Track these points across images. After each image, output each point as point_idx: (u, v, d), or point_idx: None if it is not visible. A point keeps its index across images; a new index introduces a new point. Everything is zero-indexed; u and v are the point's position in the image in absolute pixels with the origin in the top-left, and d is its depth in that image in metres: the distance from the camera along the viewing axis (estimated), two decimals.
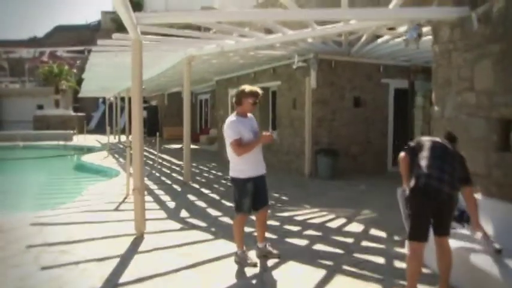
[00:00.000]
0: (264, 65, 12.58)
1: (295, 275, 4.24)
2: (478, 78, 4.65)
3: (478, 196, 4.49)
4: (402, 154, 3.49)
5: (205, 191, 8.90)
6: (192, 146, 18.20)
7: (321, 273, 4.27)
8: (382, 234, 5.72)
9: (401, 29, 7.26)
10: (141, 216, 5.60)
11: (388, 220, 6.28)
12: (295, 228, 6.01)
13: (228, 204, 7.57)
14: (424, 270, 4.19)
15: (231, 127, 4.07)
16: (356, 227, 6.09)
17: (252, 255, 4.64)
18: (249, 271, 4.29)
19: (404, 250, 4.89)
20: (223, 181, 10.21)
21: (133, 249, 5.07)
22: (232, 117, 4.16)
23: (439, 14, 5.01)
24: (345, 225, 6.22)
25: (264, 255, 4.63)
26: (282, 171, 11.49)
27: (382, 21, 5.77)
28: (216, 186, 9.56)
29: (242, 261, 4.44)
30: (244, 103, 4.15)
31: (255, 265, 4.35)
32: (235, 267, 4.41)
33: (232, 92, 15.53)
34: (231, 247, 4.84)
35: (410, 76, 10.78)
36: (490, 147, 4.41)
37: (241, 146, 4.02)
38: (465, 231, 4.35)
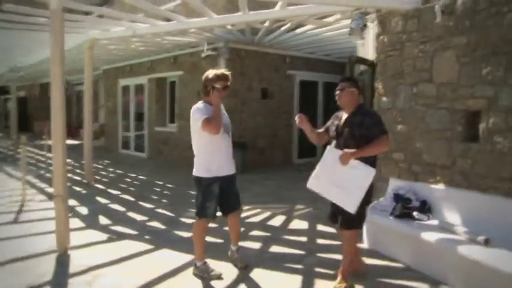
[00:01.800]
0: (163, 54, 11.67)
1: (272, 284, 3.76)
2: (439, 70, 4.63)
3: (440, 186, 4.49)
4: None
5: (114, 192, 7.85)
6: (72, 142, 16.47)
7: (297, 279, 3.88)
8: (331, 230, 5.49)
9: (329, 19, 7.16)
10: (65, 229, 4.52)
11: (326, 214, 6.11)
12: None
13: (148, 205, 6.84)
14: (398, 264, 4.18)
15: (199, 111, 3.64)
16: (300, 224, 5.80)
17: (214, 265, 4.10)
18: (216, 285, 3.77)
19: (363, 244, 4.76)
20: (128, 179, 9.18)
21: (62, 271, 4.03)
22: (199, 104, 3.72)
23: (393, 4, 4.87)
24: (287, 222, 5.91)
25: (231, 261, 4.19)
26: (185, 167, 10.73)
27: (330, 8, 5.46)
28: (123, 185, 8.51)
29: (204, 274, 3.89)
30: (212, 91, 3.66)
31: (219, 277, 3.88)
32: (198, 282, 3.80)
33: (123, 82, 14.20)
34: (180, 257, 4.37)
35: (348, 67, 10.93)
36: (454, 137, 4.41)
37: (211, 121, 3.57)
38: (434, 222, 4.30)
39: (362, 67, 7.23)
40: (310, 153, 11.63)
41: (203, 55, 9.65)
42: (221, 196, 3.77)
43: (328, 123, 3.69)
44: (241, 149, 9.76)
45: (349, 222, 3.48)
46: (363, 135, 3.33)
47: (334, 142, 3.50)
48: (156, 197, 7.46)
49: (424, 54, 4.80)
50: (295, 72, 11.28)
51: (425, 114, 4.79)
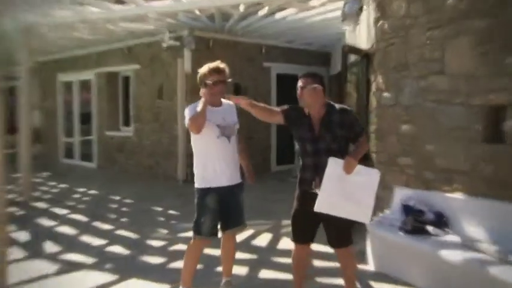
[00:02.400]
0: (115, 43, 11.37)
1: None
2: (452, 60, 4.61)
3: (458, 195, 4.46)
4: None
5: (61, 211, 7.54)
6: None
7: None
8: (327, 249, 5.38)
9: (314, 2, 7.11)
10: (3, 261, 4.18)
11: (320, 232, 6.02)
12: (217, 252, 5.31)
13: (105, 226, 6.61)
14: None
15: (188, 109, 3.70)
16: (290, 243, 5.64)
17: None
18: None
19: (368, 266, 4.70)
20: (77, 195, 8.87)
21: None
22: (195, 103, 3.76)
23: None
24: (275, 241, 5.83)
25: None
26: (146, 178, 10.75)
27: None
28: (71, 203, 8.18)
29: None
30: (207, 87, 3.68)
31: None
32: None
33: (64, 77, 13.75)
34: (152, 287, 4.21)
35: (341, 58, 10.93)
36: (473, 138, 4.38)
37: (192, 119, 3.59)
38: (454, 238, 4.26)
39: (353, 58, 7.19)
40: (291, 159, 11.55)
41: (164, 45, 9.48)
42: (221, 210, 3.75)
43: (290, 112, 3.59)
44: None
45: (349, 235, 3.52)
46: (344, 135, 3.41)
47: (309, 146, 3.46)
48: (113, 216, 7.24)
49: (433, 42, 4.77)
50: (272, 64, 11.28)
51: (437, 112, 4.76)
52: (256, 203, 7.84)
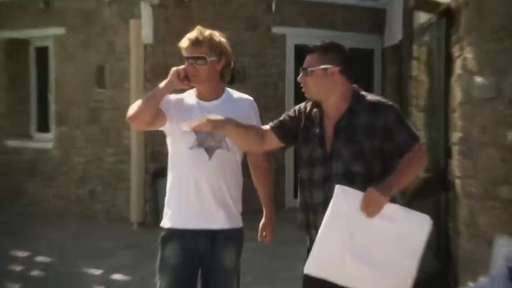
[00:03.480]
0: None
1: None
2: None
3: None
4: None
5: None
6: None
7: None
8: None
9: None
10: None
11: None
12: None
13: None
14: None
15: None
16: None
17: None
18: None
19: None
20: None
21: None
22: (183, 94, 4.09)
23: None
24: None
25: None
26: (74, 217, 10.79)
27: None
28: None
29: None
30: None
31: None
32: None
33: None
34: None
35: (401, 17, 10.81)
36: None
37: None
38: None
39: (423, 18, 7.16)
40: None
41: None
42: (202, 274, 3.92)
43: (283, 123, 3.73)
44: None
45: None
46: (377, 149, 3.40)
47: (317, 169, 3.48)
48: (16, 286, 7.20)
49: None
50: (288, 29, 11.37)
51: None
52: (257, 260, 7.82)
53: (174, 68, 3.79)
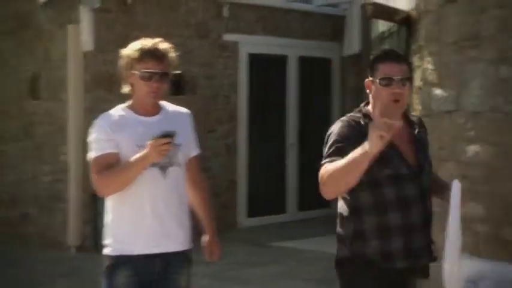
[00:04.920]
0: None
1: None
2: None
3: None
4: None
5: None
6: None
7: None
8: None
9: None
10: None
11: None
12: None
13: None
14: None
15: (95, 131, 3.78)
16: None
17: None
18: None
19: None
20: None
21: None
22: (112, 111, 3.87)
23: None
24: None
25: None
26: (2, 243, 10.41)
27: None
28: None
29: None
30: (134, 81, 3.80)
31: None
32: None
33: None
34: None
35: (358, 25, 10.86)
36: None
37: (102, 172, 3.68)
38: None
39: (384, 25, 7.24)
40: (275, 205, 11.71)
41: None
42: None
43: (346, 148, 3.31)
44: None
45: None
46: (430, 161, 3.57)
47: (410, 188, 3.42)
48: None
49: None
50: (241, 37, 11.32)
51: None
52: (206, 285, 7.80)
53: (153, 144, 3.55)
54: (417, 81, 5.96)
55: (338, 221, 3.45)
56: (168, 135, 3.50)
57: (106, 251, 3.79)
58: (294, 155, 12.03)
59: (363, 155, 2.99)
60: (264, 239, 10.32)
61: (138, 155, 3.63)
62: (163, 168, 3.75)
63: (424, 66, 5.67)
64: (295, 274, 8.14)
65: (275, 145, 11.97)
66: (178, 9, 10.66)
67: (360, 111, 3.46)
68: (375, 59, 3.44)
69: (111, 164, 3.67)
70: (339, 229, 3.44)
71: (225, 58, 11.23)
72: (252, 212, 11.64)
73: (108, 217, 3.85)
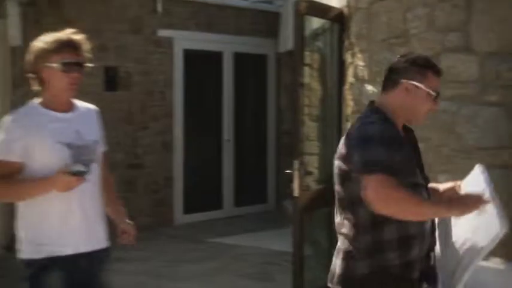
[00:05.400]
0: None
1: None
2: (484, 28, 4.77)
3: (493, 263, 4.57)
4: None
5: None
6: None
7: None
8: None
9: None
10: None
11: None
12: None
13: None
14: None
15: (4, 131, 3.68)
16: None
17: None
18: None
19: None
20: None
21: None
22: (21, 109, 3.81)
23: None
24: None
25: None
26: None
27: None
28: None
29: None
30: (50, 75, 3.69)
31: None
32: None
33: None
34: None
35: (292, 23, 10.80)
36: None
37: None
38: None
39: (316, 24, 7.29)
40: (211, 201, 11.78)
41: None
42: None
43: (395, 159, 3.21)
44: None
45: None
46: None
47: (425, 195, 3.41)
48: None
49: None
50: (176, 33, 11.31)
51: (456, 118, 4.90)
52: (144, 283, 7.84)
53: (64, 179, 3.51)
54: (349, 78, 6.08)
55: (346, 235, 3.26)
56: (81, 173, 3.46)
57: (29, 255, 3.68)
58: (230, 151, 12.04)
59: (445, 213, 3.20)
60: (201, 235, 10.33)
61: (43, 180, 3.56)
62: (85, 166, 3.64)
63: (356, 62, 5.75)
64: (231, 270, 8.19)
65: (211, 141, 11.97)
66: (111, 3, 10.55)
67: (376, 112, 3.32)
68: (428, 66, 3.33)
69: (11, 172, 3.60)
70: (349, 244, 3.24)
71: (159, 54, 11.17)
72: (188, 209, 11.64)
73: (27, 222, 3.73)
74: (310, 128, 7.27)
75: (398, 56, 3.44)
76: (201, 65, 11.85)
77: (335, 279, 3.27)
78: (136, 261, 8.69)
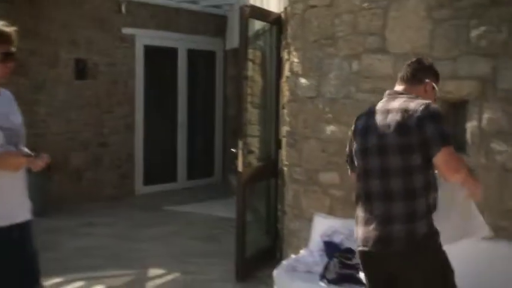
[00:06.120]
0: None
1: None
2: (398, 32, 4.86)
3: None
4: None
5: None
6: None
7: None
8: None
9: None
10: None
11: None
12: None
13: None
14: None
15: None
16: None
17: None
18: None
19: None
20: None
21: None
22: None
23: None
24: None
25: None
26: None
27: None
28: None
29: None
30: None
31: None
32: None
33: None
34: None
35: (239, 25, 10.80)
36: None
37: None
38: None
39: (258, 25, 7.31)
40: (167, 175, 11.77)
41: None
42: (8, 262, 3.50)
43: None
44: (39, 174, 9.22)
45: None
46: None
47: None
48: None
49: (371, 6, 5.00)
50: (138, 31, 11.22)
51: None
52: (110, 244, 7.77)
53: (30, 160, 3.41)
54: (286, 72, 6.13)
55: (408, 197, 3.22)
56: (28, 156, 3.38)
57: None
58: (184, 132, 12.03)
59: (472, 186, 3.24)
60: (159, 204, 10.32)
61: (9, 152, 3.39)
62: (16, 146, 3.50)
63: (291, 59, 5.80)
64: (183, 233, 8.19)
65: (167, 124, 11.93)
66: (83, 5, 10.41)
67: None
68: (438, 72, 3.58)
69: None
70: (413, 206, 3.22)
71: (123, 48, 11.07)
72: (147, 181, 11.63)
73: None
74: (252, 114, 7.33)
75: (416, 59, 3.63)
76: (159, 59, 11.82)
77: (395, 243, 3.21)
78: (105, 226, 8.69)
